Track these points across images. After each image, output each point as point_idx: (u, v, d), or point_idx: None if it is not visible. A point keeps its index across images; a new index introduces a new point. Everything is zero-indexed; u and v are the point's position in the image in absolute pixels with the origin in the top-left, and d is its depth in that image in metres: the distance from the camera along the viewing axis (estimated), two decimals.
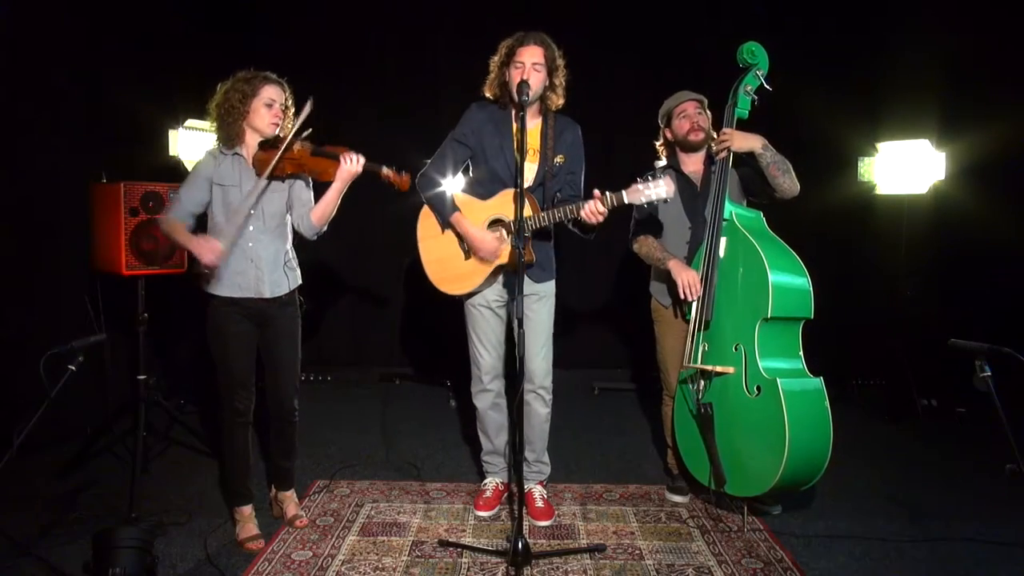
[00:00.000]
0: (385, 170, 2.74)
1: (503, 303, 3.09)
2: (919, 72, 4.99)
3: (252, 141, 2.78)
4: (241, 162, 2.77)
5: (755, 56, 3.04)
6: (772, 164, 3.05)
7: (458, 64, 4.01)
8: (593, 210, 2.75)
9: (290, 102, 2.81)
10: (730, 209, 3.04)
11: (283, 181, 2.80)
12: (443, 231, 3.06)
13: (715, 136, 3.22)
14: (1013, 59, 4.90)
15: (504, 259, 2.94)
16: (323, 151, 2.72)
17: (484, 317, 3.10)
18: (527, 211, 2.83)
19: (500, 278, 3.05)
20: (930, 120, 4.81)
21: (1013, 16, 4.88)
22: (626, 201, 2.74)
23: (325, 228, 2.87)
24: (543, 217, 2.86)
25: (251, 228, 2.75)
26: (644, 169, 3.31)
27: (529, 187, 2.94)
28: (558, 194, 3.01)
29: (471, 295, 3.08)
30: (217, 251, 2.62)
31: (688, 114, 3.20)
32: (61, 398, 2.56)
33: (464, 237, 3.00)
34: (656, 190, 2.69)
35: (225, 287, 2.76)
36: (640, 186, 2.72)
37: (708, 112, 3.25)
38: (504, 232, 2.96)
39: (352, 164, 2.69)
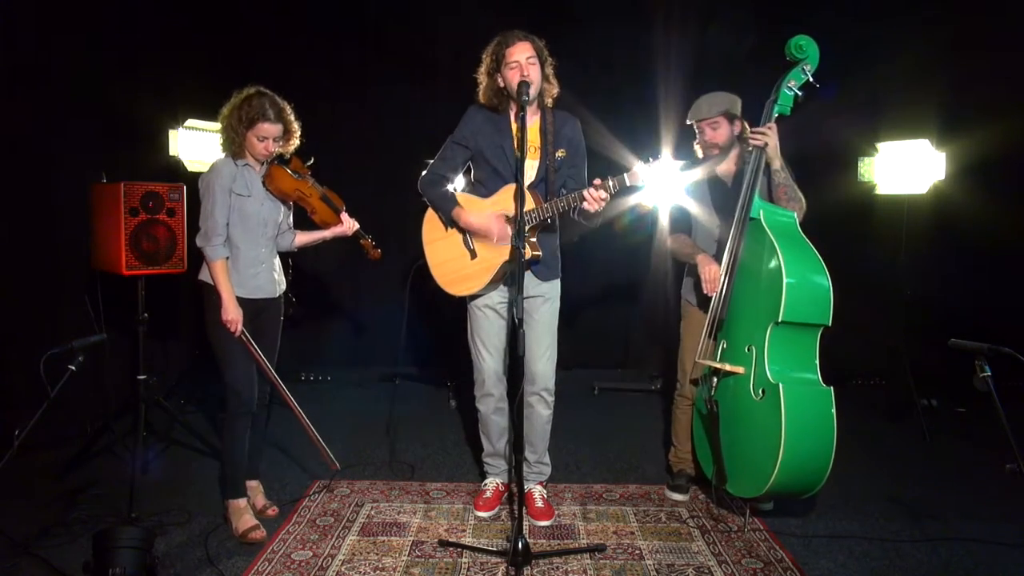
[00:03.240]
0: (364, 240, 3.17)
1: (507, 304, 3.07)
2: (919, 72, 4.98)
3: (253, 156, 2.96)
4: (251, 171, 2.94)
5: (803, 51, 2.88)
6: (782, 186, 3.04)
7: (456, 63, 4.01)
8: (595, 196, 2.76)
9: (294, 126, 2.94)
10: (759, 207, 2.95)
11: (286, 203, 3.10)
12: (447, 230, 3.06)
13: (741, 137, 3.17)
14: (1013, 59, 4.90)
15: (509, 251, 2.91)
16: (329, 200, 3.09)
17: (488, 319, 3.09)
18: (530, 204, 2.84)
19: (506, 278, 3.04)
20: (930, 120, 4.80)
21: (1013, 16, 4.88)
22: (627, 184, 2.75)
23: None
24: (546, 208, 2.86)
25: (265, 235, 2.97)
26: (683, 155, 3.28)
27: (531, 183, 2.94)
28: (562, 189, 2.99)
29: (478, 296, 3.08)
30: (237, 324, 2.83)
31: (701, 130, 3.19)
32: (61, 398, 2.56)
33: (468, 229, 3.00)
34: (657, 171, 2.71)
35: (245, 289, 2.91)
36: (638, 169, 2.74)
37: (729, 123, 3.15)
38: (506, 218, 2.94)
39: (348, 227, 3.12)
